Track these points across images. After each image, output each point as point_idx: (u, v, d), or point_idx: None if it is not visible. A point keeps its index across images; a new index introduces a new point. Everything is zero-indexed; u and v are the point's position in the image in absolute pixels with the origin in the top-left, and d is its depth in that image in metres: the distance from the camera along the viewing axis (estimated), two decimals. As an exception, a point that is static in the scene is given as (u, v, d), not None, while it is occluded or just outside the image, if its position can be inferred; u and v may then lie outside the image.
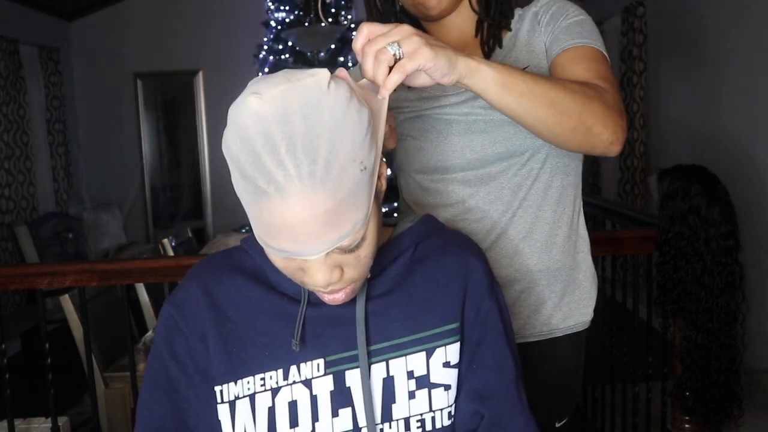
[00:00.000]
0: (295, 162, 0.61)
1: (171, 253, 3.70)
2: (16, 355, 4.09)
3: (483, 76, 0.80)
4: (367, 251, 0.70)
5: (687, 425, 1.81)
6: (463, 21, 1.09)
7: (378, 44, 0.74)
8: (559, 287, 1.07)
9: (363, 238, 0.68)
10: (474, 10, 1.08)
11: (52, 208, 5.04)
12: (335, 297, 0.72)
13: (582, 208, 1.12)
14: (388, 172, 0.87)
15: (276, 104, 0.62)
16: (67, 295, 2.33)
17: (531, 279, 1.05)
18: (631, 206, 4.28)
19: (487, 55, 1.05)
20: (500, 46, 1.06)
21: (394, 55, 0.73)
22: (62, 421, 1.99)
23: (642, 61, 4.28)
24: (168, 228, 5.50)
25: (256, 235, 0.68)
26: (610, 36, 4.88)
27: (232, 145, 0.64)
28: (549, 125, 0.85)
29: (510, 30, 1.08)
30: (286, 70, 0.67)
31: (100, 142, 5.60)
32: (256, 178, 0.62)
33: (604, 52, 1.01)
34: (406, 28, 0.74)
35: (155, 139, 5.72)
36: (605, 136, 0.87)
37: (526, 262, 1.05)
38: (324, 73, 0.65)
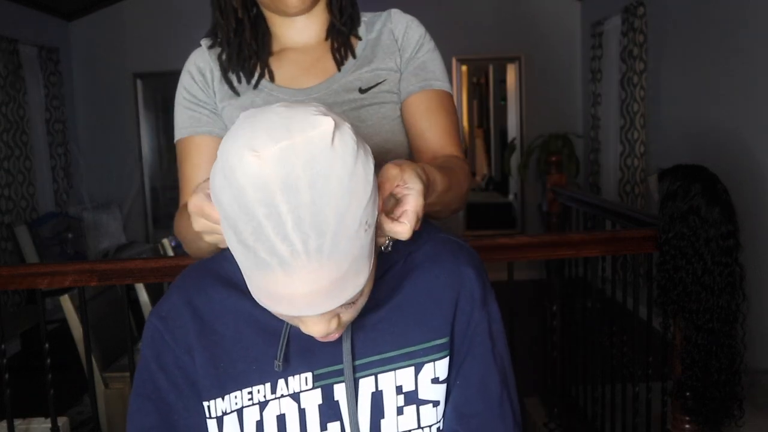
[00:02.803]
0: (302, 237, 0.56)
1: (171, 253, 3.70)
2: (16, 355, 4.09)
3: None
4: (364, 299, 0.68)
5: (687, 425, 1.81)
6: (314, 22, 1.07)
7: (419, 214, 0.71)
8: None
9: (361, 293, 0.66)
10: (330, 12, 1.06)
11: (52, 208, 5.04)
12: (329, 337, 0.70)
13: None
14: None
15: (278, 167, 0.56)
16: (66, 295, 2.33)
17: None
18: (631, 206, 4.29)
19: (339, 63, 1.05)
20: (354, 56, 1.06)
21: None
22: (62, 421, 1.98)
23: (642, 61, 4.28)
24: (168, 228, 5.50)
25: (252, 291, 0.64)
26: (610, 36, 4.88)
27: (227, 207, 0.58)
28: (455, 210, 1.01)
29: (360, 39, 1.07)
30: (283, 109, 0.60)
31: (99, 142, 5.60)
32: (257, 249, 0.57)
33: (449, 88, 1.09)
34: (420, 191, 0.72)
35: (155, 139, 5.72)
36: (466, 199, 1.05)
37: None
38: (328, 124, 0.58)
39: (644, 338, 2.10)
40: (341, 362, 0.76)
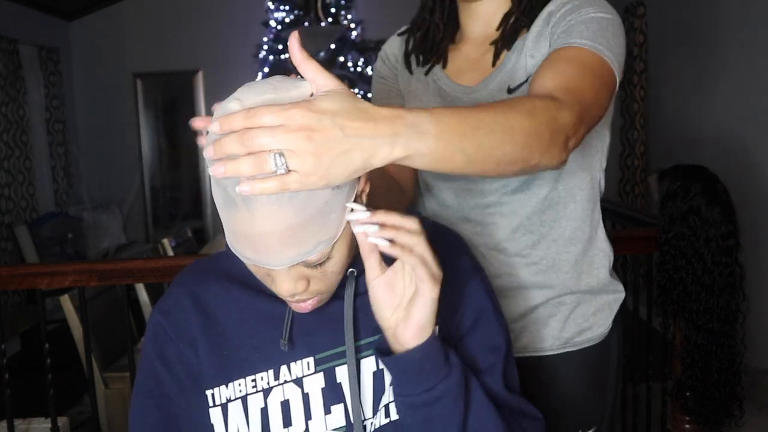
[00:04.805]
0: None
1: (171, 253, 3.70)
2: (16, 355, 4.09)
3: (415, 160, 0.64)
4: (334, 267, 0.70)
5: (687, 425, 1.81)
6: (493, 10, 1.02)
7: (256, 139, 0.56)
8: (566, 305, 1.05)
9: (330, 256, 0.68)
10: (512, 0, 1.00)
11: (52, 208, 5.03)
12: (301, 306, 0.72)
13: (601, 221, 1.09)
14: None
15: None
16: (66, 295, 2.33)
17: (531, 295, 1.05)
18: (631, 206, 4.28)
19: (497, 54, 0.99)
20: (508, 49, 0.99)
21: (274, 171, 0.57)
22: (62, 421, 1.98)
23: (642, 61, 4.28)
24: (168, 228, 5.50)
25: (226, 239, 0.68)
26: (610, 36, 4.88)
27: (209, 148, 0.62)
28: (493, 174, 0.76)
29: (528, 30, 0.98)
30: (277, 77, 0.65)
31: (100, 142, 5.60)
32: (227, 185, 0.62)
33: (606, 56, 0.86)
34: (304, 122, 0.56)
35: (155, 139, 5.72)
36: (547, 163, 0.77)
37: (525, 278, 1.04)
38: (308, 87, 0.62)
39: (644, 338, 2.10)
40: (342, 345, 0.77)
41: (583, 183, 1.04)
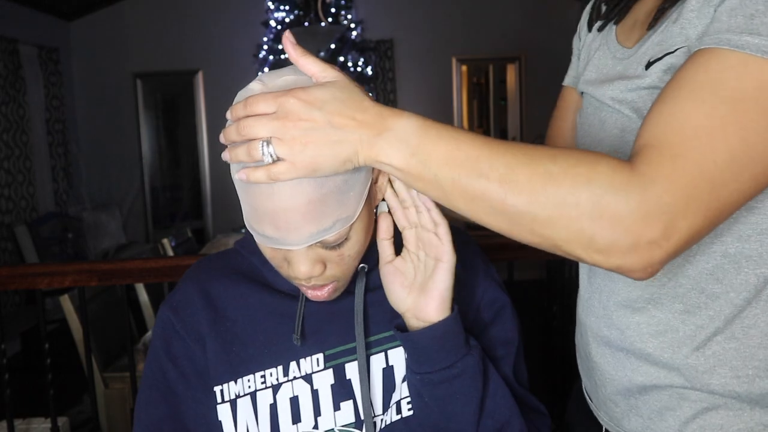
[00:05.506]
0: None
1: (171, 253, 3.70)
2: (16, 355, 4.09)
3: (393, 173, 0.60)
4: (351, 251, 0.70)
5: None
6: None
7: (248, 128, 0.60)
8: (690, 402, 0.71)
9: (347, 238, 0.68)
10: None
11: (52, 208, 5.04)
12: (317, 293, 0.72)
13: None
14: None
15: (276, 89, 0.63)
16: (66, 295, 2.33)
17: (639, 368, 0.74)
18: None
19: (660, 10, 0.70)
20: (671, 5, 0.69)
21: (263, 155, 0.59)
22: (62, 421, 1.98)
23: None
24: (168, 228, 5.50)
25: (245, 220, 0.68)
26: (610, 36, 4.87)
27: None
28: (496, 229, 0.59)
29: None
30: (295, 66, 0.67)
31: (100, 142, 5.61)
32: (248, 161, 0.62)
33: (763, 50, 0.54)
34: (293, 109, 0.58)
35: (155, 139, 5.72)
36: (600, 262, 0.56)
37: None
38: (335, 73, 0.63)
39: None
40: (352, 341, 0.77)
41: (742, 226, 0.66)
